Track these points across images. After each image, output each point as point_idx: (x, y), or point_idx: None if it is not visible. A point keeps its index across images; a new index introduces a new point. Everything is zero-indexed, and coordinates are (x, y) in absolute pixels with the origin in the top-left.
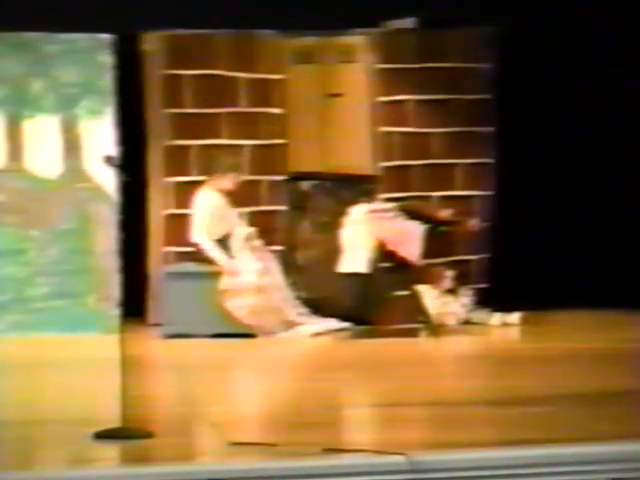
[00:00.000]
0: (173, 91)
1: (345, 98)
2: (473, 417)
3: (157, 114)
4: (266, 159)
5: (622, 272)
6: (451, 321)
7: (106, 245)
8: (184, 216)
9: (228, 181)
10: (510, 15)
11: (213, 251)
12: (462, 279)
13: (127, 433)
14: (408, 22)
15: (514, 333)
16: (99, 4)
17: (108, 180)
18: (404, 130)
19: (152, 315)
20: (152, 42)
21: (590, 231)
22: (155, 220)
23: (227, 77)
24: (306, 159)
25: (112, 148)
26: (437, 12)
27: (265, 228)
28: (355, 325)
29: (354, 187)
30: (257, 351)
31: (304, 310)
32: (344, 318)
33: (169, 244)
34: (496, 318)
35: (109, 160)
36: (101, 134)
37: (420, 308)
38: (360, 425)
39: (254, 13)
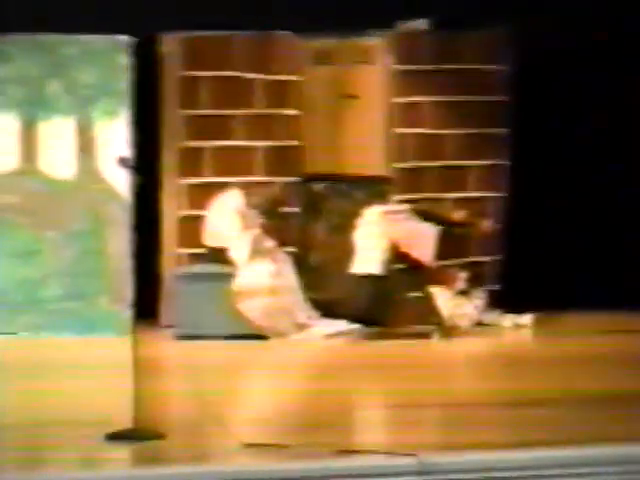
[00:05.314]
0: (189, 92)
1: (360, 99)
2: (485, 419)
3: (172, 115)
4: (280, 160)
5: (635, 274)
6: (464, 322)
7: (120, 246)
8: (198, 218)
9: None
10: (525, 16)
11: (236, 251)
12: (475, 281)
13: (139, 434)
14: (421, 23)
15: (526, 335)
16: (116, 6)
17: (122, 181)
18: (418, 131)
19: (165, 316)
20: (169, 44)
21: (603, 233)
22: (169, 221)
23: (243, 78)
24: (320, 160)
25: (127, 149)
26: (451, 13)
27: (279, 229)
28: (368, 326)
29: (368, 188)
30: (269, 353)
31: (316, 311)
32: (357, 319)
33: (182, 246)
34: (508, 320)
35: (123, 161)
36: (116, 135)
37: (433, 310)
38: (372, 426)
39: (271, 14)
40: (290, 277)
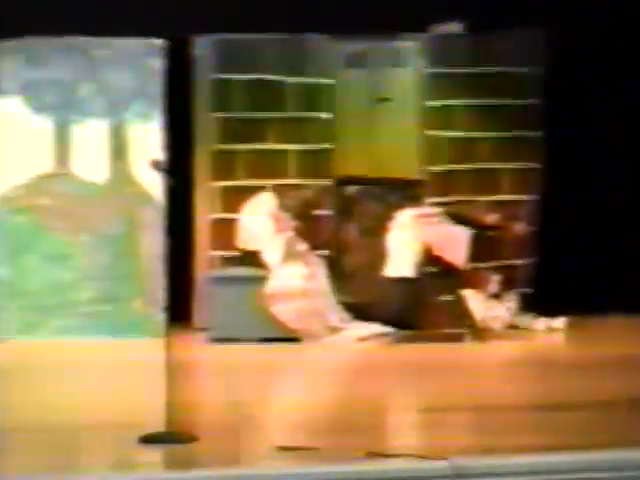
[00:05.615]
0: (222, 95)
1: (393, 102)
2: (517, 422)
3: (205, 118)
4: (313, 163)
5: None
6: (496, 326)
7: (152, 249)
8: (231, 221)
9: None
10: (558, 18)
11: (269, 254)
12: (508, 284)
13: (172, 437)
14: (454, 26)
15: (559, 338)
16: (149, 9)
17: (155, 184)
18: (451, 134)
19: (198, 319)
20: (202, 47)
21: (637, 236)
22: (202, 224)
23: (276, 81)
24: (353, 163)
25: (160, 152)
26: (484, 16)
27: (311, 232)
28: (400, 329)
29: (401, 191)
30: (302, 355)
31: (349, 314)
32: (390, 322)
33: (215, 248)
34: (541, 323)
35: (156, 164)
36: (149, 138)
37: (465, 312)
38: (404, 430)
39: (304, 18)
40: (323, 280)
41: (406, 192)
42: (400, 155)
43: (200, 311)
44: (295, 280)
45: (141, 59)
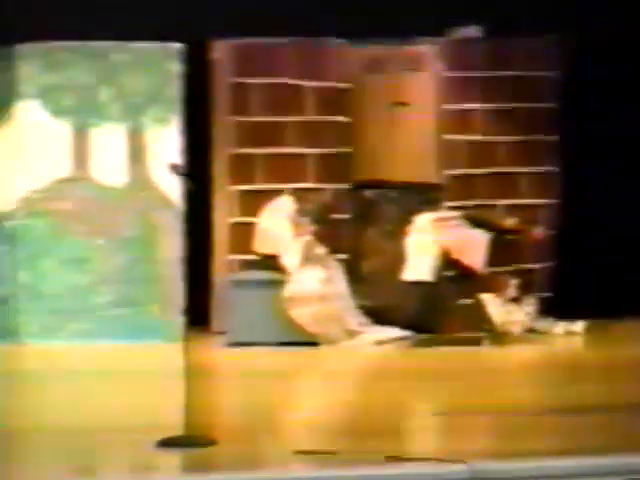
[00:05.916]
0: (240, 99)
1: (411, 106)
2: (536, 426)
3: (223, 122)
4: (331, 167)
5: None
6: (515, 330)
7: (171, 253)
8: (249, 224)
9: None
10: (576, 22)
11: (287, 258)
12: (526, 288)
13: (190, 441)
14: (472, 30)
15: (578, 342)
16: (167, 13)
17: (173, 188)
18: (470, 138)
19: (216, 323)
20: (220, 50)
21: None
22: (220, 228)
23: (294, 85)
24: (371, 167)
25: (178, 156)
26: (502, 20)
27: (330, 236)
28: (418, 333)
29: (419, 195)
30: (320, 359)
31: (367, 318)
32: (408, 326)
33: (234, 252)
34: (560, 327)
35: (175, 168)
36: (167, 142)
37: (484, 316)
38: (422, 433)
39: (322, 21)
40: (341, 284)
41: (424, 196)
42: (418, 159)
43: (218, 315)
44: (313, 284)
45: (159, 63)
